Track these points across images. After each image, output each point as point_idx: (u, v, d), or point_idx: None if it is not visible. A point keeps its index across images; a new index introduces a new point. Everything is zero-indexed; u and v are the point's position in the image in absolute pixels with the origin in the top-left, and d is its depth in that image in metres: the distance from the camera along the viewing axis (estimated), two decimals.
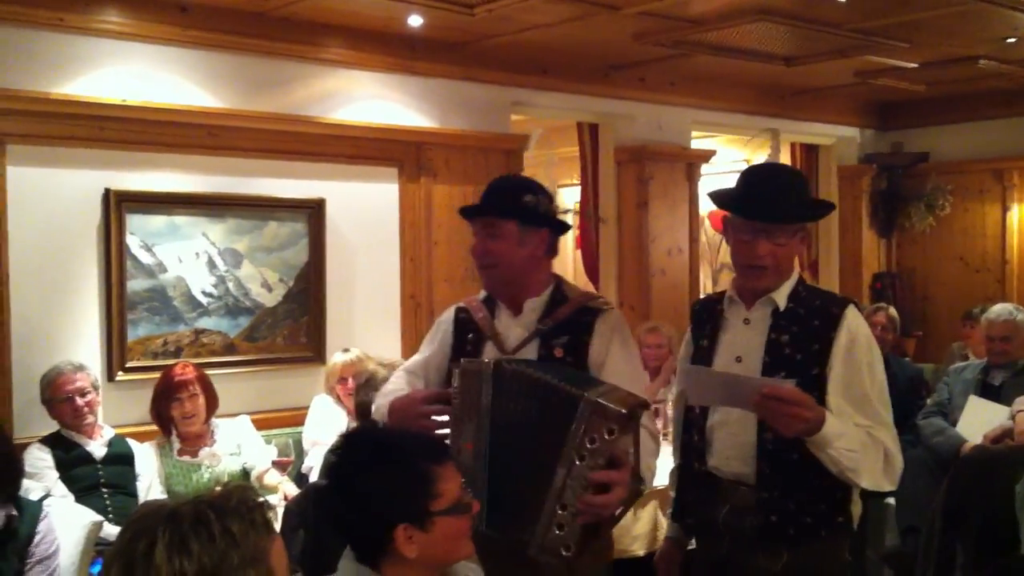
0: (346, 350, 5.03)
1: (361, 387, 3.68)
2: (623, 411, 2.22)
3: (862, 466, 2.41)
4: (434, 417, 2.48)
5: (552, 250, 2.70)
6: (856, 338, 2.49)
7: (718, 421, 2.59)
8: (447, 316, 2.81)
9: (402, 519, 1.82)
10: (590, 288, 6.56)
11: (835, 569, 2.56)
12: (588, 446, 2.21)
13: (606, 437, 2.21)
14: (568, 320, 2.60)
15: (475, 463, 2.33)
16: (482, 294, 2.77)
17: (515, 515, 2.31)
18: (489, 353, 2.62)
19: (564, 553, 2.25)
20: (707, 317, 2.72)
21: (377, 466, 1.87)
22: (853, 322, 2.50)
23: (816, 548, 2.50)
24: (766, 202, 2.50)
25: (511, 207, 2.63)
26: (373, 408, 2.81)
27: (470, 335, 2.69)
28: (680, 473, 2.77)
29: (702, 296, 7.32)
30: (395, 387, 2.76)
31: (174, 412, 4.40)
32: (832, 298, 2.63)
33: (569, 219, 5.68)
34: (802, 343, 2.50)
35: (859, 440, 2.42)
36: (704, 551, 2.69)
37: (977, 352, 6.42)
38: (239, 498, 1.54)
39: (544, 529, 2.25)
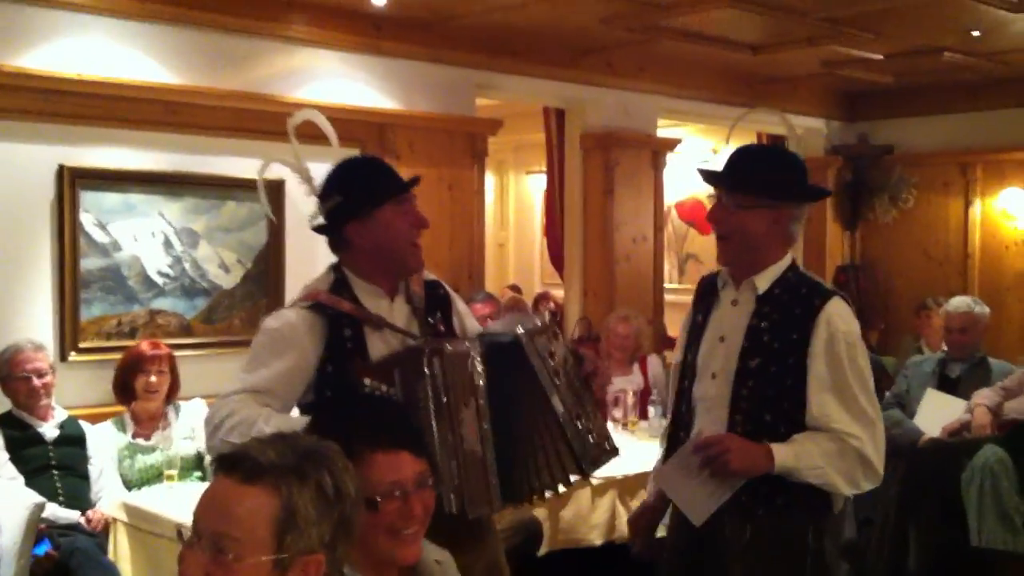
0: None
1: None
2: (542, 320, 2.58)
3: (834, 477, 2.46)
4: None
5: None
6: (835, 334, 2.48)
7: (698, 395, 2.64)
8: (299, 319, 2.46)
9: None
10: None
11: (799, 546, 2.55)
12: (552, 363, 2.43)
13: (554, 344, 2.46)
14: (427, 296, 2.64)
15: (482, 447, 2.31)
16: (325, 286, 2.53)
17: (528, 473, 2.42)
18: (380, 341, 2.46)
19: (610, 447, 2.53)
20: (705, 294, 2.74)
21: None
22: (834, 315, 2.49)
23: (781, 524, 2.52)
24: (723, 171, 2.63)
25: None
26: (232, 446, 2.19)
27: (346, 331, 2.46)
28: (668, 442, 2.79)
29: (667, 286, 7.38)
30: (252, 414, 2.32)
31: (138, 383, 4.35)
32: (818, 288, 2.59)
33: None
34: (780, 331, 2.51)
35: (824, 453, 2.45)
36: (678, 525, 2.71)
37: (931, 343, 6.48)
38: None
39: (583, 449, 2.46)
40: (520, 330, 2.43)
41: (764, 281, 2.57)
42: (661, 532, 2.83)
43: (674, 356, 2.87)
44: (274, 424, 2.25)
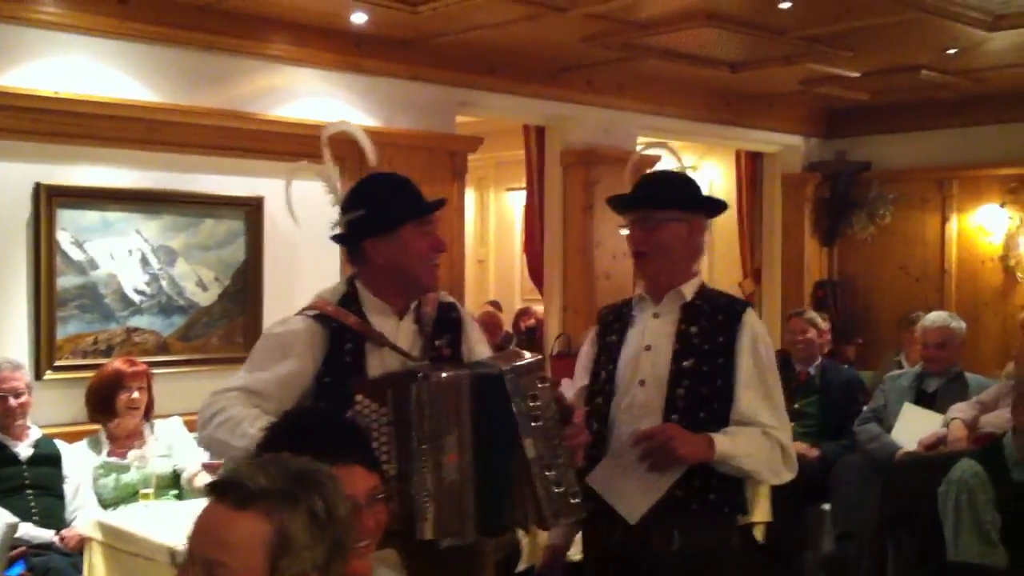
0: None
1: None
2: (538, 358, 2.44)
3: (762, 467, 2.65)
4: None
5: None
6: (757, 336, 2.70)
7: (623, 407, 2.70)
8: (302, 327, 2.50)
9: None
10: None
11: (727, 553, 2.69)
12: (533, 404, 2.32)
13: (539, 386, 2.35)
14: (439, 318, 2.62)
15: (461, 477, 2.29)
16: (335, 297, 2.57)
17: (501, 509, 2.37)
18: (379, 359, 2.49)
19: (575, 502, 2.38)
20: (615, 318, 2.86)
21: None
22: (754, 322, 2.74)
23: (709, 532, 2.64)
24: (636, 194, 2.83)
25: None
26: (217, 441, 2.38)
27: (347, 345, 2.49)
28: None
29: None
30: (240, 413, 2.36)
31: (120, 400, 4.31)
32: (734, 299, 2.90)
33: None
34: (708, 334, 2.69)
35: (754, 443, 2.62)
36: (596, 539, 2.77)
37: (911, 357, 6.51)
38: None
39: (548, 499, 2.34)
40: (506, 367, 2.36)
41: (689, 291, 2.76)
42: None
43: (576, 382, 2.92)
44: (259, 426, 2.23)
